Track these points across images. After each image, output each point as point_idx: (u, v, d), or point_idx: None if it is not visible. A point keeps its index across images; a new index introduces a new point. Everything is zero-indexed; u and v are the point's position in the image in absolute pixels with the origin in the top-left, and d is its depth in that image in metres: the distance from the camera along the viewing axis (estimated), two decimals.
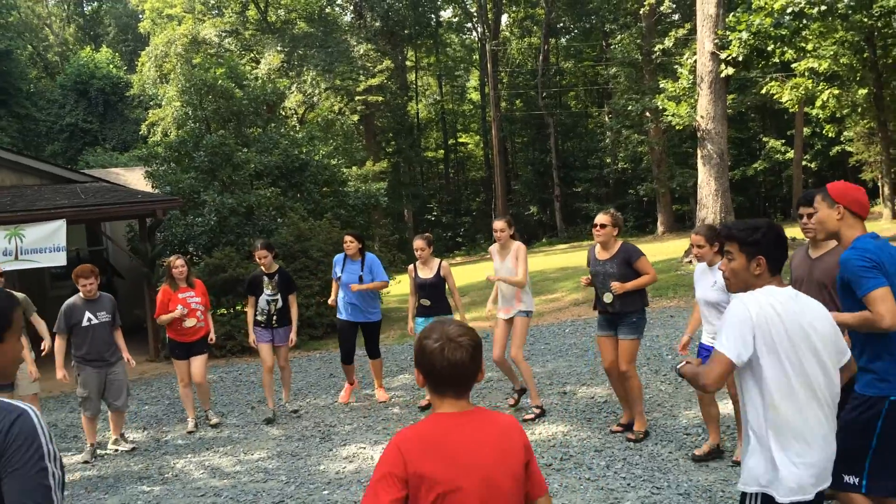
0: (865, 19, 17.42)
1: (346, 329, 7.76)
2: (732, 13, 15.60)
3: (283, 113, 22.22)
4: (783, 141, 29.92)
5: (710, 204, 15.81)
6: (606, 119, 35.07)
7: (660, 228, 30.39)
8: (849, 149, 27.04)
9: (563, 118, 39.15)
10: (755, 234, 2.77)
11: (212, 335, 7.56)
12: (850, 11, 14.72)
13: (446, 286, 7.27)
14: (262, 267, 7.44)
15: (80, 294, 6.69)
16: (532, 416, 6.64)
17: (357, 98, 30.08)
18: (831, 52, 19.84)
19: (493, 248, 7.06)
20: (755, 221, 2.85)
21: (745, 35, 14.52)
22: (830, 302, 3.89)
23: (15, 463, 1.78)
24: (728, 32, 15.17)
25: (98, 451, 6.91)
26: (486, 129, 41.92)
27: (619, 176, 36.35)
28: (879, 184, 25.91)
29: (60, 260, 10.75)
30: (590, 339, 9.82)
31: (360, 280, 7.49)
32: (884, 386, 3.36)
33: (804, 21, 14.38)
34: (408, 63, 42.16)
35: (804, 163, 28.61)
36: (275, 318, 7.42)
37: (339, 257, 7.78)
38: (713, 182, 15.80)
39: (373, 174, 23.77)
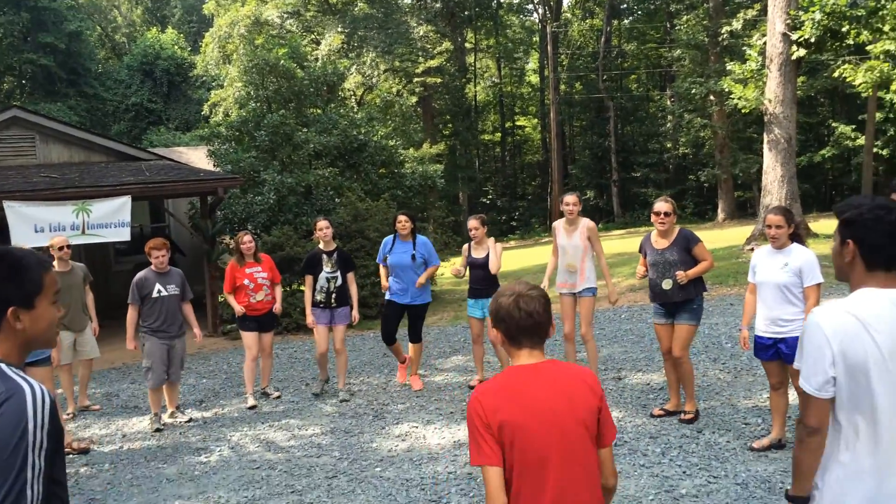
0: None
1: (391, 311, 7.54)
2: None
3: (343, 94, 22.33)
4: (853, 126, 28.77)
5: (774, 190, 15.37)
6: (668, 103, 34.29)
7: (720, 215, 29.70)
8: None
9: (623, 102, 38.47)
10: (850, 212, 2.26)
11: (277, 306, 7.67)
12: None
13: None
14: (322, 243, 7.42)
15: (152, 267, 6.88)
16: None
17: (416, 80, 30.08)
18: None
19: (560, 224, 6.87)
20: (861, 198, 2.30)
21: (818, 15, 14.00)
22: None
23: None
24: (801, 13, 14.64)
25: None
26: (544, 113, 41.49)
27: (679, 161, 35.56)
28: None
29: (125, 235, 10.99)
30: (645, 326, 9.65)
31: (413, 259, 7.38)
32: None
33: (882, 1, 13.77)
34: (467, 45, 41.93)
35: (875, 150, 27.50)
36: (334, 296, 7.36)
37: (387, 239, 7.61)
38: (779, 168, 15.34)
39: (429, 156, 23.73)
